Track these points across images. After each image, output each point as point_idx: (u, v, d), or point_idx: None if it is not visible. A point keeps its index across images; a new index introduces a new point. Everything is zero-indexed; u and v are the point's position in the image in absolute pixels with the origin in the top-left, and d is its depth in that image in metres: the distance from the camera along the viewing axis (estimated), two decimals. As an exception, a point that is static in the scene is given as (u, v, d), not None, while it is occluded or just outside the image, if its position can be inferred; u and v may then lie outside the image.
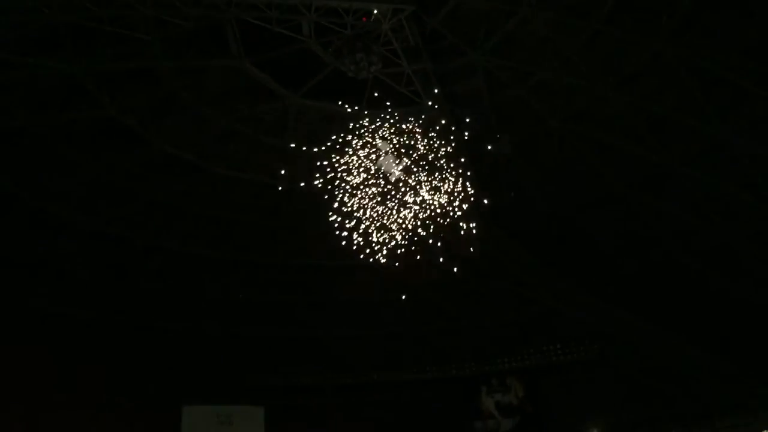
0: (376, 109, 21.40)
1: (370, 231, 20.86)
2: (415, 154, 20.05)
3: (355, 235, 20.89)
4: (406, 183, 20.00)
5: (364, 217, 20.60)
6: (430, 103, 23.04)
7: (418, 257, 21.69)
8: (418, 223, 20.55)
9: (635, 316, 29.85)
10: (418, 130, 20.19)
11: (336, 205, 20.50)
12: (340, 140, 20.24)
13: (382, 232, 20.84)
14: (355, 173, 20.09)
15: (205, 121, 26.08)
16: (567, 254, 30.03)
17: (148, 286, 30.88)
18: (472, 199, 20.93)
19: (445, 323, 35.25)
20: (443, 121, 20.89)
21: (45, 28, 20.56)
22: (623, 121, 23.86)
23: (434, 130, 20.33)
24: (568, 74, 23.37)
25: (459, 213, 20.82)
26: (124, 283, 30.37)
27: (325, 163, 20.40)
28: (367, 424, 35.06)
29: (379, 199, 20.30)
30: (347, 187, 20.24)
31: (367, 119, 20.38)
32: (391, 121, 20.17)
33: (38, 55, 21.27)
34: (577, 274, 30.03)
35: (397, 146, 19.95)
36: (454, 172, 20.55)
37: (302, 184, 23.61)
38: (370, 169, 20.06)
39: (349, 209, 20.42)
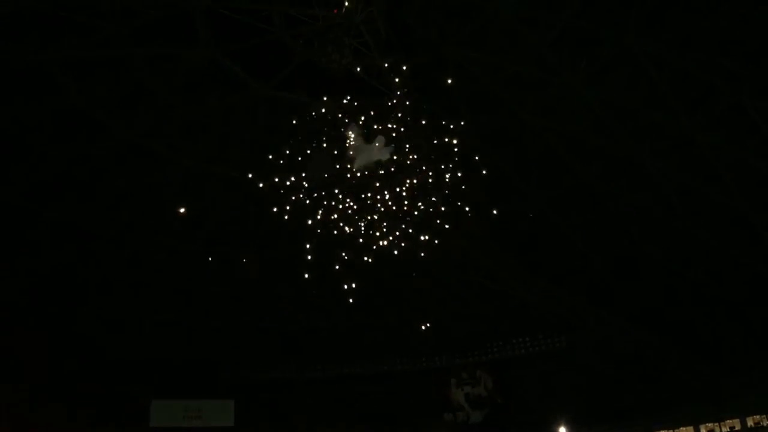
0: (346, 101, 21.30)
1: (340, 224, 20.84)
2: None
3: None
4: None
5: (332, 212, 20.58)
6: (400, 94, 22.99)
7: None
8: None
9: (602, 308, 30.24)
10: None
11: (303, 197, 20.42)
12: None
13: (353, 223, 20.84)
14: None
15: (174, 111, 25.77)
16: (536, 247, 30.31)
17: (117, 278, 30.50)
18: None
19: (414, 316, 35.33)
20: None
21: (11, 16, 20.11)
22: (593, 114, 24.06)
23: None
24: (538, 68, 23.53)
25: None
26: (92, 276, 29.94)
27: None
28: (338, 417, 35.04)
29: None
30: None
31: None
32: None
33: (4, 44, 20.84)
34: (546, 266, 30.32)
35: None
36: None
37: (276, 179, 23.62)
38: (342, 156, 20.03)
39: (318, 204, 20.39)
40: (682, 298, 28.38)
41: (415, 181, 20.45)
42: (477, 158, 22.17)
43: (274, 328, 34.77)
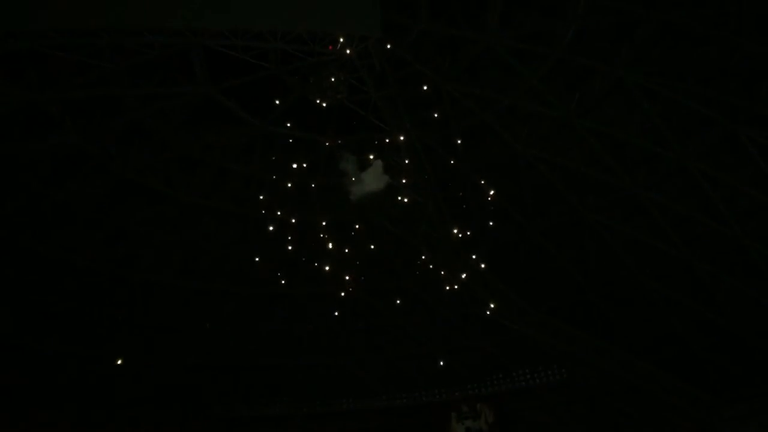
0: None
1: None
2: None
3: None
4: None
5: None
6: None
7: None
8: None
9: (602, 339, 30.09)
10: None
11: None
12: None
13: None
14: None
15: (171, 148, 25.93)
16: (534, 279, 30.26)
17: (114, 317, 30.34)
18: None
19: (413, 349, 35.17)
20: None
21: (8, 55, 20.33)
22: (587, 145, 24.23)
23: None
24: (531, 100, 23.76)
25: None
26: (89, 314, 29.79)
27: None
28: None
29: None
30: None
31: None
32: None
33: (1, 83, 21.03)
34: (544, 298, 30.24)
35: None
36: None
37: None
38: None
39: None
40: (681, 328, 28.30)
41: None
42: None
43: (269, 364, 34.52)
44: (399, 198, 27.89)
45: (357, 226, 23.08)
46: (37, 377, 29.32)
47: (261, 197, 26.55)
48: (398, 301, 31.99)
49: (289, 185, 26.21)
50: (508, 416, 35.11)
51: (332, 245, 26.93)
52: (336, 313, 31.63)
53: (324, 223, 26.76)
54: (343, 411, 36.23)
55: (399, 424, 35.83)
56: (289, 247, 27.17)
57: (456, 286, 29.53)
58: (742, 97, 20.89)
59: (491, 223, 28.60)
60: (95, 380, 31.07)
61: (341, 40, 20.48)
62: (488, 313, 31.82)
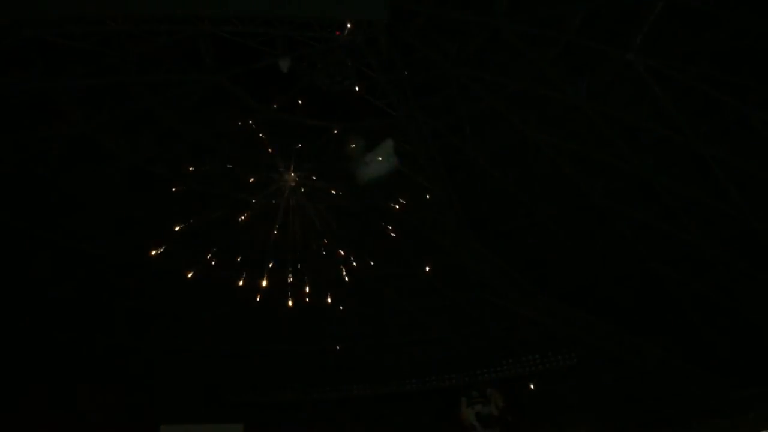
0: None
1: None
2: None
3: None
4: None
5: None
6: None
7: None
8: None
9: (613, 324, 30.05)
10: None
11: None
12: None
13: None
14: None
15: (179, 136, 25.94)
16: (543, 264, 30.22)
17: (124, 305, 30.55)
18: None
19: (423, 335, 35.24)
20: None
21: (16, 44, 20.34)
22: (596, 130, 24.07)
23: None
24: (540, 85, 23.60)
25: None
26: (99, 302, 29.99)
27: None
28: (348, 439, 34.89)
29: None
30: None
31: None
32: None
33: (9, 72, 21.05)
34: (554, 283, 30.20)
35: None
36: None
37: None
38: None
39: None
40: (692, 312, 28.21)
41: None
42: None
43: (281, 350, 34.68)
44: (407, 183, 27.93)
45: (365, 212, 23.08)
46: (45, 365, 29.59)
47: (270, 183, 26.53)
48: (407, 287, 32.02)
49: (298, 172, 26.15)
50: (519, 401, 35.21)
51: (340, 230, 26.93)
52: (345, 299, 31.75)
53: (331, 208, 26.69)
54: (353, 397, 36.41)
55: (409, 410, 35.97)
56: (297, 233, 27.15)
57: (464, 271, 29.58)
58: (754, 80, 20.64)
59: (500, 209, 28.58)
60: (108, 367, 31.35)
61: (348, 25, 20.36)
62: (497, 298, 31.92)
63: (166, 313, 31.75)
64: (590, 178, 26.19)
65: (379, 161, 25.98)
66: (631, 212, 26.51)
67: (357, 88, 23.58)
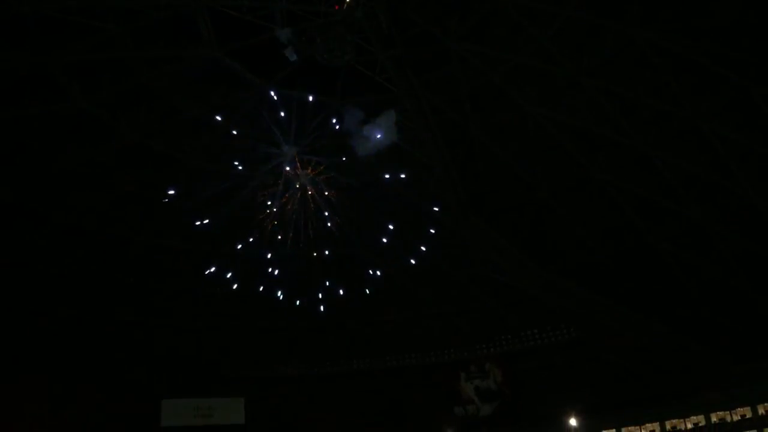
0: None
1: None
2: None
3: None
4: None
5: None
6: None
7: None
8: None
9: (610, 299, 30.15)
10: None
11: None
12: None
13: None
14: None
15: (177, 111, 25.84)
16: (542, 239, 30.23)
17: (124, 280, 30.64)
18: None
19: (423, 311, 35.42)
20: None
21: (13, 20, 20.17)
22: (596, 105, 23.96)
23: None
24: (541, 60, 23.45)
25: None
26: (99, 277, 30.07)
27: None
28: (348, 412, 35.12)
29: None
30: None
31: None
32: None
33: (6, 48, 20.91)
34: (553, 259, 30.26)
35: None
36: None
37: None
38: None
39: None
40: (690, 288, 28.27)
41: None
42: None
43: (280, 326, 34.88)
44: (406, 159, 27.89)
45: (365, 189, 23.13)
46: (42, 340, 29.74)
47: (270, 158, 26.52)
48: (407, 262, 32.10)
49: (298, 148, 26.12)
50: (517, 376, 35.48)
51: (341, 206, 27.00)
52: (345, 275, 31.93)
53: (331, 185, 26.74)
54: (354, 371, 36.71)
55: (409, 384, 36.25)
56: (295, 208, 27.21)
57: (464, 246, 29.61)
58: (754, 55, 20.50)
59: (500, 184, 28.56)
60: (106, 342, 31.52)
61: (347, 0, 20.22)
62: (497, 273, 32.03)
63: (165, 289, 31.84)
64: (590, 153, 26.11)
65: (379, 136, 25.89)
66: (631, 187, 26.45)
67: (356, 64, 23.51)
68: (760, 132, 22.27)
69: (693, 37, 20.72)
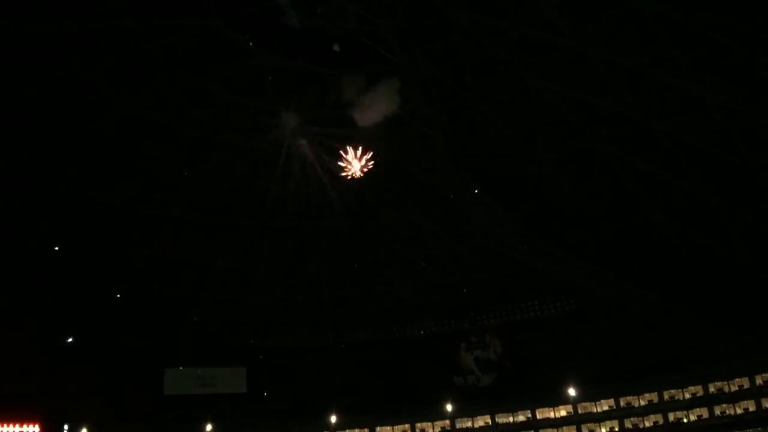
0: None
1: None
2: None
3: None
4: None
5: None
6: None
7: None
8: None
9: (610, 270, 30.22)
10: None
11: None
12: None
13: None
14: None
15: (178, 81, 25.62)
16: (544, 211, 30.22)
17: (128, 252, 30.65)
18: None
19: (424, 281, 35.48)
20: None
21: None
22: (600, 77, 23.79)
23: None
24: (544, 31, 23.23)
25: None
26: (103, 250, 30.09)
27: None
28: (349, 383, 35.34)
29: None
30: None
31: None
32: None
33: (6, 17, 20.69)
34: (554, 230, 30.26)
35: None
36: None
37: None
38: None
39: None
40: (690, 260, 28.33)
41: None
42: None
43: (282, 298, 34.97)
44: (408, 130, 27.71)
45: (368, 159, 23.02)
46: (51, 313, 29.88)
47: (272, 130, 26.37)
48: (408, 235, 32.13)
49: (299, 118, 25.97)
50: (517, 346, 35.67)
51: (342, 178, 26.90)
52: (347, 248, 31.93)
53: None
54: (355, 342, 36.87)
55: (409, 355, 36.44)
56: (298, 182, 27.18)
57: (465, 219, 29.58)
58: (760, 27, 20.30)
59: (502, 157, 28.46)
60: (112, 311, 31.66)
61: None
62: (498, 245, 32.03)
63: (170, 260, 31.88)
64: (593, 125, 25.99)
65: (380, 106, 25.68)
66: (634, 160, 26.36)
67: (357, 34, 23.28)
68: (764, 104, 22.16)
69: (698, 7, 20.51)
